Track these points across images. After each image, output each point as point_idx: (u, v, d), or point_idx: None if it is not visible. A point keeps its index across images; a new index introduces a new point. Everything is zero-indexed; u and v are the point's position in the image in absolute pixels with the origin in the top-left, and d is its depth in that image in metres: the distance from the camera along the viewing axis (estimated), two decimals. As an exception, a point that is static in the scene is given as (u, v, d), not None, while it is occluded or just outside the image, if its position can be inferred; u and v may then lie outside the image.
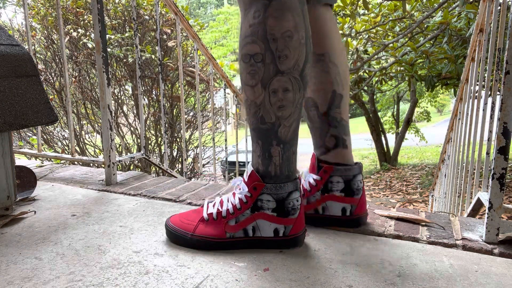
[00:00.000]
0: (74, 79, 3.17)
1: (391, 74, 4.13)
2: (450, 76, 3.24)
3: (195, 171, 3.63)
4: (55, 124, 3.31)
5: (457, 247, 0.83)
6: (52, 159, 2.58)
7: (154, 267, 0.74)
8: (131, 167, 3.38)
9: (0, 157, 1.01)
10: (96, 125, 3.45)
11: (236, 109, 4.33)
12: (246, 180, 0.81)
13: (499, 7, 1.22)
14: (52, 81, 3.21)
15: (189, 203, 1.14)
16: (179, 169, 3.59)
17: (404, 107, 14.78)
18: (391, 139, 9.14)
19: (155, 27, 3.14)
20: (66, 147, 3.40)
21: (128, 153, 3.42)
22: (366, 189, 5.69)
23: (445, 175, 2.59)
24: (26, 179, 1.21)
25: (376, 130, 8.28)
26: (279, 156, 0.78)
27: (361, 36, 4.09)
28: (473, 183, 1.39)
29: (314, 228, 0.92)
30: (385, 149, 8.32)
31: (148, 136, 3.50)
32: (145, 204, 1.12)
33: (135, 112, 3.47)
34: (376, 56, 4.34)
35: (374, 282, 0.69)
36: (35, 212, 1.06)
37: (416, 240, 0.87)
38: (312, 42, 0.90)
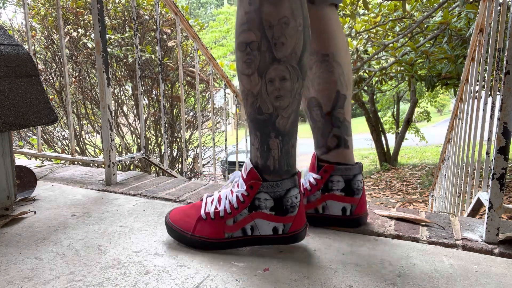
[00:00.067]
0: (74, 79, 3.17)
1: (391, 74, 4.13)
2: (450, 76, 3.24)
3: (195, 171, 3.63)
4: (55, 124, 3.31)
5: (457, 247, 0.83)
6: (52, 159, 2.58)
7: (154, 267, 0.74)
8: (131, 167, 3.38)
9: (0, 157, 1.01)
10: (96, 125, 3.45)
11: (236, 109, 4.33)
12: (244, 176, 0.79)
13: (499, 7, 1.22)
14: (52, 81, 3.21)
15: (189, 203, 1.14)
16: (179, 169, 3.59)
17: (404, 107, 14.79)
18: (391, 139, 9.14)
19: (155, 27, 3.14)
20: (66, 147, 3.40)
21: (128, 153, 3.42)
22: (366, 189, 5.70)
23: (445, 175, 2.59)
24: (26, 179, 1.21)
25: (376, 130, 8.28)
26: (278, 149, 0.76)
27: (361, 36, 4.09)
28: (473, 183, 1.39)
29: (314, 228, 0.92)
30: (385, 149, 8.32)
31: (148, 136, 3.50)
32: (145, 204, 1.12)
33: (135, 112, 3.47)
34: (376, 56, 4.33)
35: (374, 282, 0.69)
36: (35, 212, 1.06)
37: (416, 240, 0.87)
38: (318, 42, 0.90)
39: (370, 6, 3.81)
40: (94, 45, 2.13)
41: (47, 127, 3.31)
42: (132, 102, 3.47)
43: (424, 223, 0.95)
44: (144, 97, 3.26)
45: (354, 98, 6.64)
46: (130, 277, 0.70)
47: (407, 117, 8.10)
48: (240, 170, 0.83)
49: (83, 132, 3.45)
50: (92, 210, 1.07)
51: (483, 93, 1.35)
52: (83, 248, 0.83)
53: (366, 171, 7.95)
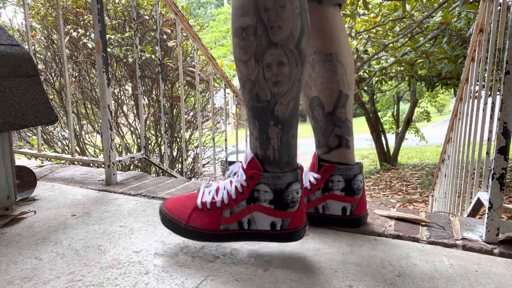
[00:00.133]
0: (74, 79, 3.17)
1: (391, 74, 4.13)
2: (450, 76, 3.24)
3: (195, 171, 3.63)
4: (55, 124, 3.31)
5: (457, 247, 0.83)
6: (52, 159, 2.58)
7: (154, 267, 0.74)
8: (131, 167, 3.38)
9: (0, 157, 1.01)
10: (96, 125, 3.45)
11: (236, 109, 4.33)
12: (244, 167, 0.76)
13: (499, 7, 1.22)
14: (52, 81, 3.21)
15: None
16: (179, 169, 3.59)
17: (404, 107, 14.79)
18: (391, 139, 9.14)
19: (155, 27, 3.14)
20: (66, 147, 3.40)
21: (128, 153, 3.42)
22: (366, 189, 5.70)
23: (445, 175, 2.59)
24: (26, 179, 1.21)
25: (376, 130, 8.28)
26: (278, 138, 0.74)
27: (361, 36, 4.09)
28: (473, 183, 1.39)
29: (314, 228, 0.92)
30: (385, 149, 8.32)
31: (148, 136, 3.50)
32: (145, 204, 1.12)
33: (135, 112, 3.47)
34: (376, 56, 4.34)
35: (374, 282, 0.69)
36: (35, 212, 1.06)
37: (416, 240, 0.87)
38: (321, 42, 0.89)
39: (370, 6, 3.81)
40: (94, 45, 2.13)
41: (47, 127, 3.31)
42: (132, 102, 3.47)
43: (424, 223, 0.95)
44: (144, 97, 3.26)
45: (354, 98, 6.62)
46: (130, 277, 0.70)
47: (407, 117, 8.10)
48: (241, 162, 0.80)
49: (83, 132, 3.45)
50: (92, 210, 1.07)
51: (483, 93, 1.35)
52: (83, 248, 0.83)
53: (366, 171, 7.95)
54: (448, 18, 3.10)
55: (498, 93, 1.04)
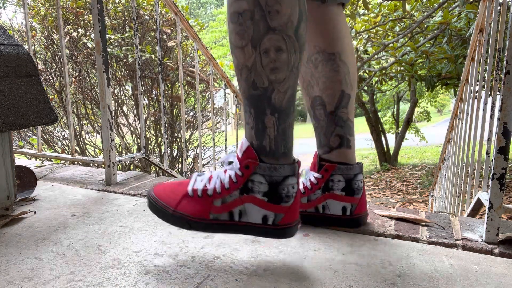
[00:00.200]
0: (74, 79, 3.17)
1: (391, 74, 4.13)
2: (450, 76, 3.24)
3: (195, 171, 3.63)
4: (55, 124, 3.31)
5: (457, 247, 0.83)
6: (52, 159, 2.58)
7: (154, 267, 0.74)
8: (131, 167, 3.38)
9: (0, 157, 1.01)
10: (96, 125, 3.45)
11: (236, 109, 4.33)
12: (239, 156, 0.73)
13: (499, 7, 1.22)
14: (52, 81, 3.21)
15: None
16: (179, 169, 3.59)
17: (404, 107, 14.78)
18: (391, 139, 9.14)
19: (155, 27, 3.14)
20: (66, 147, 3.40)
21: (128, 153, 3.42)
22: (366, 189, 5.69)
23: (445, 175, 2.59)
24: (26, 179, 1.21)
25: (376, 130, 8.28)
26: (274, 127, 0.71)
27: (361, 36, 4.09)
28: (473, 183, 1.39)
29: (314, 228, 0.92)
30: (385, 149, 8.32)
31: (148, 136, 3.50)
32: (145, 204, 1.12)
33: (135, 112, 3.47)
34: (376, 56, 4.34)
35: (374, 282, 0.69)
36: (35, 212, 1.06)
37: (416, 240, 0.87)
38: (324, 41, 0.89)
39: (370, 6, 3.81)
40: (94, 45, 2.13)
41: (47, 127, 3.31)
42: (132, 102, 3.47)
43: (424, 223, 0.95)
44: (144, 97, 3.26)
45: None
46: (130, 277, 0.70)
47: (407, 117, 8.10)
48: (235, 151, 0.77)
49: (83, 132, 3.45)
50: (92, 210, 1.07)
51: (483, 93, 1.35)
52: (83, 248, 0.83)
53: (366, 171, 7.95)
54: (448, 18, 3.10)
55: (498, 93, 1.04)
